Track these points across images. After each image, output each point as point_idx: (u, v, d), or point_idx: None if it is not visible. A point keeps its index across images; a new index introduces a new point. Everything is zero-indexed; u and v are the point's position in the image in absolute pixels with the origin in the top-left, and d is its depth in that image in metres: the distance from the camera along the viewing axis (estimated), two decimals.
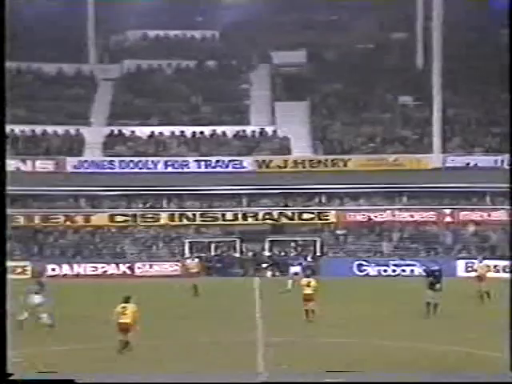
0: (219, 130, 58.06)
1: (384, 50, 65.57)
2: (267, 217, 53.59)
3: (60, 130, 57.11)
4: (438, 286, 30.14)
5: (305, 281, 29.28)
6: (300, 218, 53.81)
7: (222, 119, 59.25)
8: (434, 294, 29.79)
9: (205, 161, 55.44)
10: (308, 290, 28.31)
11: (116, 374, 13.74)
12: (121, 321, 20.81)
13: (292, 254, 51.26)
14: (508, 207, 52.65)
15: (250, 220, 53.55)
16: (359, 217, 54.19)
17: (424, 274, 32.17)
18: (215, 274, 48.76)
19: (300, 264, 42.31)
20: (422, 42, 61.97)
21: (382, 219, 54.00)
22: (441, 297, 29.90)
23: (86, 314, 27.86)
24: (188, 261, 42.26)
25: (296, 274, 40.17)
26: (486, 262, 40.92)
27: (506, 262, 48.75)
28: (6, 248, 10.32)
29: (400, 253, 51.82)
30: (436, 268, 31.41)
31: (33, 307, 24.79)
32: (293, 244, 53.04)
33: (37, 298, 24.97)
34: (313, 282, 28.81)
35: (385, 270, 50.16)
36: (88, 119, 59.02)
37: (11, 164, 53.46)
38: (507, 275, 47.22)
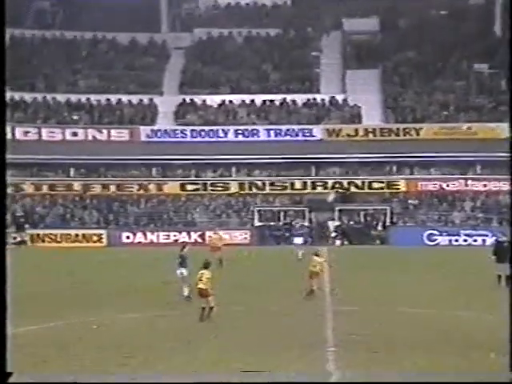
0: (289, 98, 58.31)
1: (459, 16, 64.59)
2: (336, 186, 53.75)
3: (134, 99, 58.30)
4: (506, 257, 29.03)
5: (315, 260, 26.55)
6: (370, 188, 53.83)
7: (291, 87, 59.51)
8: (503, 266, 29.03)
9: (274, 129, 55.78)
10: (315, 268, 26.13)
11: (116, 375, 13.77)
12: (198, 286, 21.51)
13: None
14: None
15: (318, 189, 53.81)
16: (430, 186, 53.99)
17: (493, 244, 31.88)
18: (283, 243, 49.23)
19: (302, 235, 42.00)
20: (500, 8, 60.88)
21: (453, 188, 53.72)
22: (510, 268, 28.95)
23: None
24: (211, 234, 41.17)
25: (300, 243, 40.01)
26: None
27: None
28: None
29: (471, 223, 51.53)
30: (504, 239, 31.03)
31: (180, 280, 25.60)
32: (362, 213, 53.20)
33: (183, 271, 25.56)
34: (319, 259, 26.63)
35: (456, 240, 49.97)
36: (160, 88, 60.07)
37: (88, 133, 55.08)
38: None
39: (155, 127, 56.29)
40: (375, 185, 54.00)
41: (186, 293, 24.99)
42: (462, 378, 11.20)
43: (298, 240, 41.08)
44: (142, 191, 54.54)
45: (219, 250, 35.41)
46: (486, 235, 49.24)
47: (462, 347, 18.06)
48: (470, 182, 53.75)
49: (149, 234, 51.42)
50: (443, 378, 11.54)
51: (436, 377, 12.06)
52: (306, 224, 50.78)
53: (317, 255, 26.84)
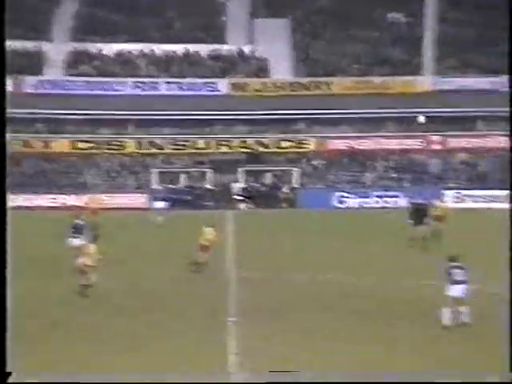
0: (192, 48, 54.78)
1: None
2: (242, 145, 50.93)
3: (18, 45, 53.34)
4: (423, 220, 29.46)
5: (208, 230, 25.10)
6: (277, 147, 51.17)
7: (195, 36, 55.77)
8: (418, 228, 29.26)
9: (176, 83, 52.48)
10: (206, 241, 24.68)
11: (117, 375, 13.45)
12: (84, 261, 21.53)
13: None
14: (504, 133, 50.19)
15: (223, 149, 50.93)
16: (341, 145, 51.47)
17: (409, 207, 31.51)
18: (185, 207, 46.16)
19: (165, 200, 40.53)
20: None
21: (365, 147, 51.30)
22: (426, 231, 29.45)
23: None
24: (90, 197, 39.39)
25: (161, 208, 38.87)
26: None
27: (498, 192, 46.56)
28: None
29: (384, 183, 49.34)
30: (420, 202, 31.02)
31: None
32: (269, 175, 50.52)
33: (77, 241, 24.54)
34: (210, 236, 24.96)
35: (367, 202, 47.75)
36: (49, 34, 55.35)
37: None
38: (499, 205, 45.07)
39: (42, 77, 52.27)
40: (283, 144, 51.41)
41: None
42: (461, 378, 11.21)
43: (159, 204, 39.10)
44: (26, 149, 50.43)
45: (96, 214, 33.14)
46: (398, 196, 47.31)
47: (372, 313, 19.31)
48: (382, 140, 51.35)
49: (33, 196, 47.52)
50: (443, 378, 11.59)
51: (435, 377, 12.00)
52: (209, 187, 47.97)
53: (209, 227, 25.15)
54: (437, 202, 32.78)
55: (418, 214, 29.56)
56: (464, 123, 51.48)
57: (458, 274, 18.34)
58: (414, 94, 51.93)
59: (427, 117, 51.28)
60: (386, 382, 11.47)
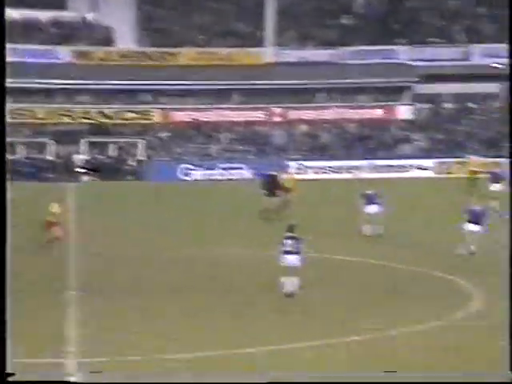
0: (31, 14, 52.90)
1: None
2: (85, 115, 49.88)
3: None
4: (274, 191, 30.11)
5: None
6: (121, 118, 50.48)
7: (34, 2, 53.89)
8: (270, 200, 29.93)
9: (13, 49, 50.40)
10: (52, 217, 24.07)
11: (116, 375, 12.86)
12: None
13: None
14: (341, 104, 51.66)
15: (65, 119, 49.68)
16: (186, 117, 51.43)
17: (261, 179, 32.02)
18: (24, 179, 44.66)
19: None
20: None
21: (210, 119, 51.49)
22: (277, 202, 30.10)
23: None
24: None
25: None
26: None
27: (338, 163, 47.96)
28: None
29: (229, 155, 49.72)
30: (271, 173, 31.61)
31: None
32: (113, 146, 49.80)
33: None
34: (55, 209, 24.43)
35: (212, 174, 48.04)
36: None
37: None
38: (339, 176, 46.54)
39: None
40: (128, 115, 50.69)
41: None
42: (461, 378, 11.15)
43: None
44: None
45: None
46: (242, 168, 47.94)
47: (222, 284, 19.90)
48: (226, 112, 51.64)
49: None
50: (442, 379, 11.51)
51: (435, 377, 11.95)
52: (50, 158, 46.76)
53: (54, 202, 24.72)
54: (286, 174, 33.55)
55: (270, 185, 30.27)
56: (304, 95, 52.49)
57: (291, 245, 18.67)
58: (257, 65, 52.47)
59: (269, 89, 51.83)
60: (386, 381, 11.35)
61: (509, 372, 10.58)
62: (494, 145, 48.50)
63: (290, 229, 19.12)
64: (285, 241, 18.79)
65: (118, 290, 19.39)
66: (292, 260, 18.59)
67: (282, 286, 18.63)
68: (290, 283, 18.53)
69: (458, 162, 46.90)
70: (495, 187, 32.85)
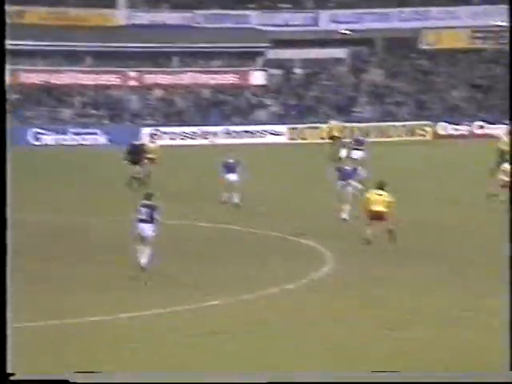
0: None
1: None
2: None
3: None
4: (139, 160, 30.29)
5: None
6: None
7: None
8: (137, 169, 30.05)
9: None
10: None
11: (117, 375, 12.01)
12: None
13: None
14: (196, 69, 51.61)
15: None
16: (36, 79, 49.81)
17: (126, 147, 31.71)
18: None
19: None
20: None
21: (61, 82, 50.13)
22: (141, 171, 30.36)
23: None
24: None
25: None
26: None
27: (194, 128, 48.12)
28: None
29: (82, 120, 48.68)
30: (136, 142, 32.48)
31: None
32: None
33: None
34: None
35: (64, 139, 46.96)
36: None
37: None
38: (195, 142, 46.72)
39: None
40: None
41: None
42: (460, 378, 10.87)
43: None
44: None
45: None
46: (96, 133, 47.17)
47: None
48: (79, 75, 50.49)
49: None
50: (441, 379, 11.31)
51: (434, 377, 11.68)
52: None
53: None
54: (150, 143, 33.21)
55: (135, 154, 30.32)
56: (159, 59, 52.07)
57: (146, 213, 18.64)
58: (110, 27, 51.43)
59: (123, 52, 51.04)
60: (385, 382, 11.14)
61: (509, 372, 10.77)
62: (344, 110, 50.10)
63: (147, 197, 19.13)
64: (140, 208, 18.76)
65: None
66: (145, 228, 18.55)
67: (138, 255, 18.59)
68: (142, 253, 18.51)
69: (311, 128, 48.15)
70: (357, 154, 33.05)
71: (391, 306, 16.27)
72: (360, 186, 24.34)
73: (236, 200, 26.59)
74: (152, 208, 18.63)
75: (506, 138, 32.46)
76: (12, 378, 9.55)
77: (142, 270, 18.38)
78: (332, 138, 39.16)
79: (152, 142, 33.15)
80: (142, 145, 32.10)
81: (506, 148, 31.12)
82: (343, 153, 35.06)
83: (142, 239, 18.59)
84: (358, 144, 34.02)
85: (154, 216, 18.59)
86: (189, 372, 12.37)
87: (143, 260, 18.47)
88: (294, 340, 14.33)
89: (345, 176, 24.40)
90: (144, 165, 30.32)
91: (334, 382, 10.80)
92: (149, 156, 30.66)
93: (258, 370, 12.60)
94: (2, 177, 9.65)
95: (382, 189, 21.24)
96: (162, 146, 33.57)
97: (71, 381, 10.50)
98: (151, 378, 11.63)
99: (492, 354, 12.88)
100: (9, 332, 9.54)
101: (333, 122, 41.26)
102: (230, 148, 31.43)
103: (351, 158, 32.49)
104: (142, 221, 18.60)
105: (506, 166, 25.63)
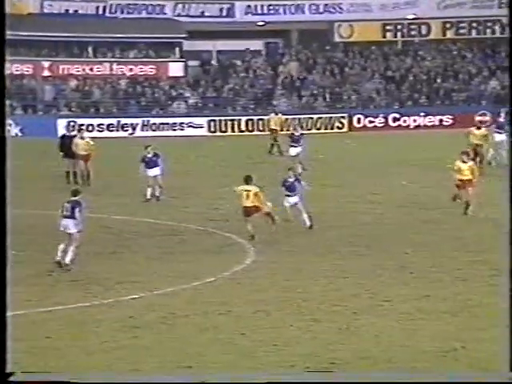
0: None
1: None
2: None
3: None
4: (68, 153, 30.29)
5: None
6: None
7: None
8: (69, 161, 30.19)
9: None
10: None
11: (118, 375, 12.79)
12: None
13: None
14: (112, 59, 51.25)
15: None
16: None
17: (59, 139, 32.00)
18: None
19: None
20: None
21: None
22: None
23: None
24: None
25: None
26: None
27: (111, 120, 47.79)
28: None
29: None
30: (68, 134, 32.54)
31: None
32: None
33: None
34: None
35: None
36: None
37: None
38: (112, 134, 46.41)
39: None
40: None
41: None
42: (460, 379, 11.27)
43: None
44: None
45: None
46: (10, 125, 46.35)
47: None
48: None
49: None
50: (441, 379, 11.59)
51: (434, 377, 12.08)
52: None
53: None
54: (80, 137, 31.59)
55: (66, 146, 30.25)
56: (74, 49, 51.47)
57: (68, 209, 18.91)
58: (21, 16, 50.48)
59: (36, 41, 50.23)
60: (385, 381, 11.47)
61: (509, 372, 10.89)
62: (262, 102, 50.55)
63: (74, 193, 19.41)
64: (65, 205, 19.06)
65: None
66: (67, 224, 18.85)
67: (58, 250, 18.83)
68: (61, 251, 18.75)
69: (230, 120, 48.41)
70: (294, 151, 32.59)
71: (312, 297, 16.74)
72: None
73: (157, 193, 26.80)
74: (76, 204, 18.92)
75: (477, 132, 31.60)
76: (12, 378, 9.65)
77: (59, 265, 18.63)
78: (271, 130, 39.17)
79: (82, 138, 31.04)
80: (73, 137, 31.20)
81: (480, 142, 30.75)
82: (283, 147, 34.90)
83: (66, 235, 18.88)
84: (294, 141, 32.99)
85: (77, 212, 18.85)
86: (189, 372, 12.67)
87: (65, 257, 18.71)
88: (214, 332, 14.69)
89: (290, 190, 22.42)
90: (75, 158, 29.88)
91: (334, 382, 11.07)
92: (82, 153, 29.94)
93: (178, 363, 12.93)
94: (2, 179, 9.47)
95: (248, 183, 21.32)
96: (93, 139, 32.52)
97: (73, 381, 10.74)
98: (151, 378, 11.78)
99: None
100: (9, 332, 9.58)
101: (272, 115, 41.12)
102: (148, 141, 31.29)
103: (290, 155, 32.33)
104: (65, 217, 18.90)
105: (459, 163, 24.11)
